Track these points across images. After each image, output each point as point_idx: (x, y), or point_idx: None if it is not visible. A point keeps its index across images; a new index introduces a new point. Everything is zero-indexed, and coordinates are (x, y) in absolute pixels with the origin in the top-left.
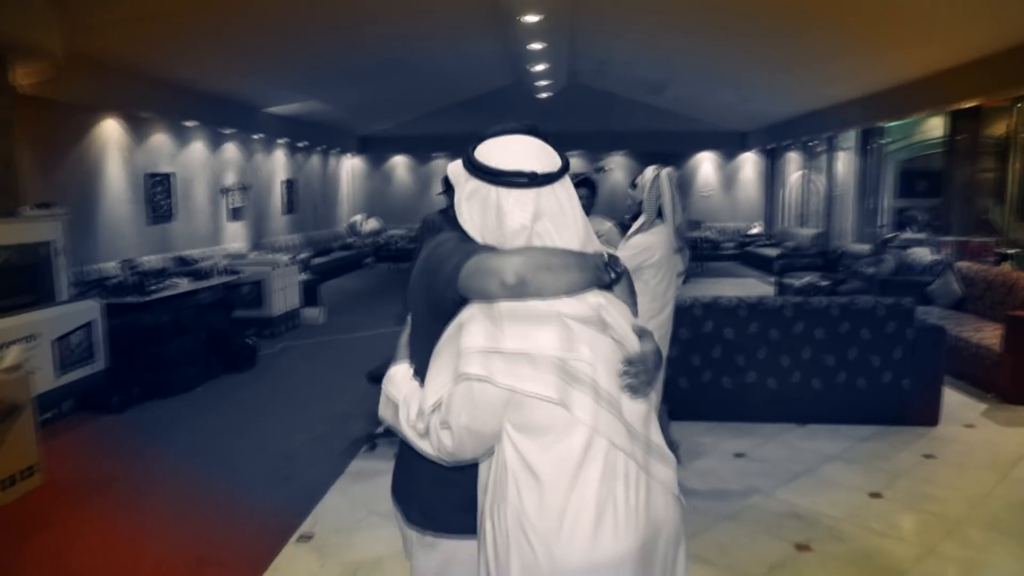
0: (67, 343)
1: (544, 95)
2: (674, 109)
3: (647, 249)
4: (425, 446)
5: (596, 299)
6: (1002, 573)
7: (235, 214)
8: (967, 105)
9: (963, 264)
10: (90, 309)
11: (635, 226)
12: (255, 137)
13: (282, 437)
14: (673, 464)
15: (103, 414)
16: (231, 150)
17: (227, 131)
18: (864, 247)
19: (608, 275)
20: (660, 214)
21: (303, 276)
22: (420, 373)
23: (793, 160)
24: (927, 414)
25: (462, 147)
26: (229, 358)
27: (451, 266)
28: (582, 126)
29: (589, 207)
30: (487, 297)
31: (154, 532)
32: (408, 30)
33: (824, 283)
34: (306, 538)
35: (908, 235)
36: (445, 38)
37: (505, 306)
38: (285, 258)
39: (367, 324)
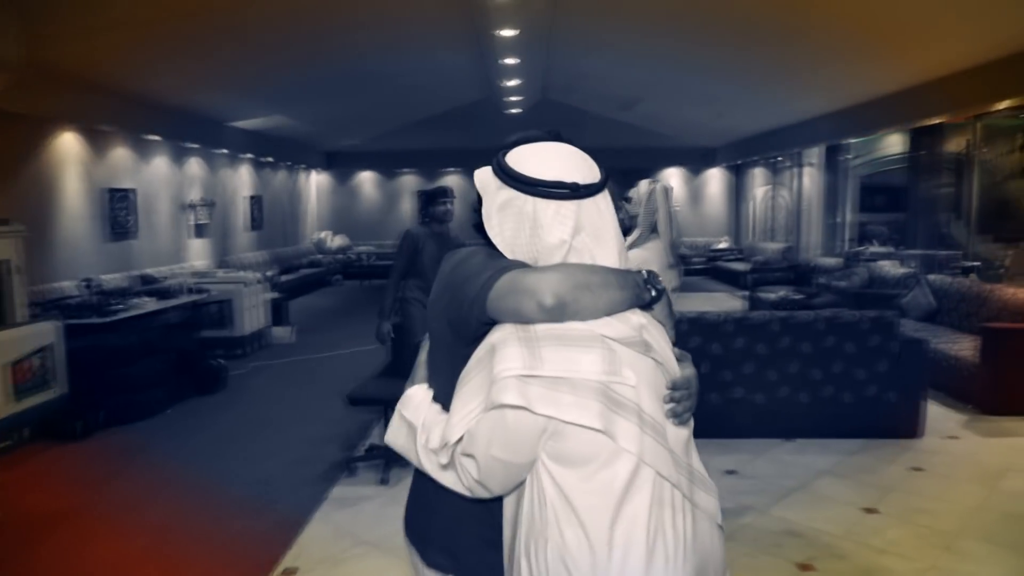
0: (25, 367)
1: (515, 111)
2: (644, 125)
3: (642, 264)
4: (447, 478)
5: (637, 319)
6: None
7: (199, 231)
8: (932, 122)
9: (934, 277)
10: (49, 330)
11: (628, 241)
12: (219, 152)
13: (258, 462)
14: (715, 492)
15: (65, 441)
16: (195, 165)
17: (191, 146)
18: (833, 261)
19: (649, 293)
20: (654, 229)
21: (271, 294)
22: (440, 397)
23: (759, 175)
24: (911, 426)
25: (430, 163)
26: (198, 380)
27: (479, 284)
28: None
29: None
30: (522, 320)
31: (124, 569)
32: (378, 44)
33: (798, 297)
34: (291, 572)
35: (875, 249)
36: (416, 52)
37: (542, 327)
38: (253, 276)
39: (338, 343)
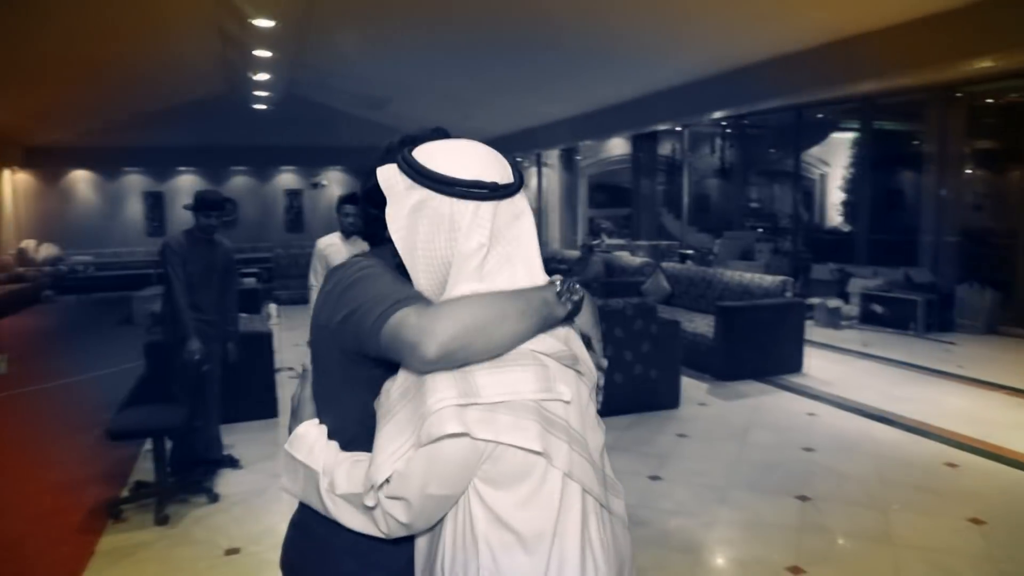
0: None
1: (260, 106)
2: (394, 125)
3: None
4: (359, 522)
5: (564, 330)
6: (774, 525)
7: None
8: (651, 129)
9: (667, 264)
10: None
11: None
12: None
13: None
14: (623, 495)
15: None
16: None
17: None
18: (574, 253)
19: (564, 308)
20: None
21: None
22: (337, 431)
23: None
24: (670, 398)
25: (161, 162)
26: None
27: (372, 320)
28: (298, 140)
29: (359, 225)
30: (411, 369)
31: None
32: (97, 24)
33: None
34: None
35: (609, 240)
36: (144, 36)
37: None
38: None
39: (65, 369)
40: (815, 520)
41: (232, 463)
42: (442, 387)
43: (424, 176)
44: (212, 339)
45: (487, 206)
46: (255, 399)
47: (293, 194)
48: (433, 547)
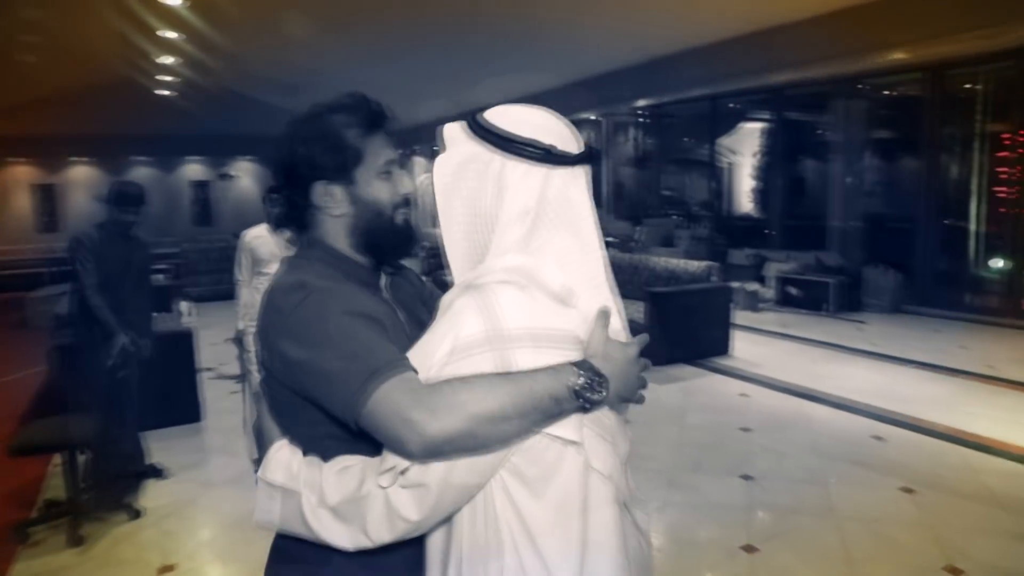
0: None
1: (164, 92)
2: None
3: None
4: (350, 538)
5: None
6: (723, 505)
7: None
8: (576, 117)
9: None
10: None
11: None
12: None
13: None
14: (645, 507)
15: None
16: None
17: None
18: None
19: (576, 407)
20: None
21: None
22: (311, 449)
23: (420, 164)
24: None
25: (53, 151)
26: None
27: (355, 388)
28: (205, 128)
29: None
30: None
31: None
32: None
33: None
34: None
35: None
36: (34, 12)
37: (514, 324)
38: None
39: None
40: (761, 498)
41: (157, 473)
42: (479, 363)
43: (482, 130)
44: None
45: (539, 170)
46: (176, 403)
47: (200, 185)
48: (448, 544)
